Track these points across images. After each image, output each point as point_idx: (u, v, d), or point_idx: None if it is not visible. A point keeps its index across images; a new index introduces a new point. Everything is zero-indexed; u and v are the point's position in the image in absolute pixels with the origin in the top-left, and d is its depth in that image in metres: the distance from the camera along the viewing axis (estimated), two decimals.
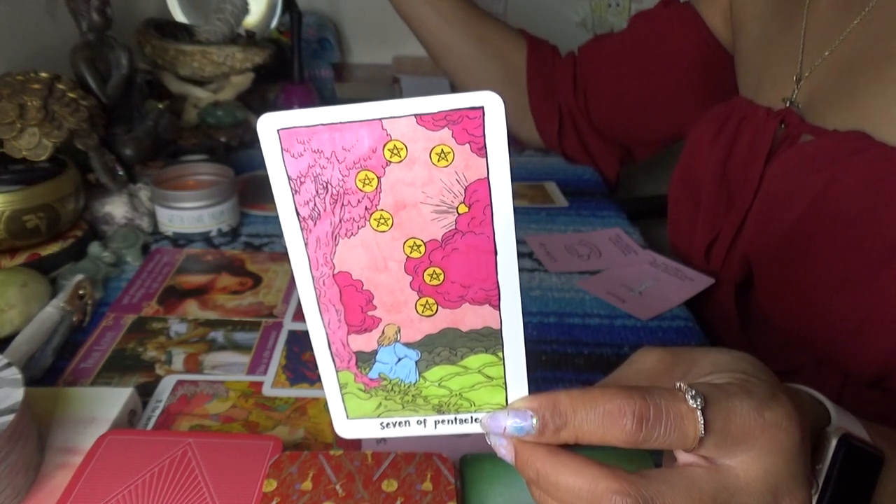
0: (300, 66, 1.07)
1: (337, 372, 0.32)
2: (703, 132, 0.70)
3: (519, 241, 0.74)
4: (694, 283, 0.69)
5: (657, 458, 0.34)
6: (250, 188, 0.84)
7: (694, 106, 0.81)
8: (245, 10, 1.01)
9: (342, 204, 0.28)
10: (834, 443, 0.32)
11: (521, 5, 1.33)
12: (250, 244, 0.74)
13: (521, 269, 0.70)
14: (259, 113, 1.15)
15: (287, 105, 1.07)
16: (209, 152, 0.88)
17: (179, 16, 1.11)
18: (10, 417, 0.39)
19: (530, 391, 0.31)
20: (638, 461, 0.40)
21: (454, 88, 1.28)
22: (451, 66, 0.94)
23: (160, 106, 0.84)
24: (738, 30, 0.76)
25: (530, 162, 1.00)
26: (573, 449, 0.29)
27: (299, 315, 0.59)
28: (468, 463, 0.43)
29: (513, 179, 0.92)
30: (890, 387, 0.56)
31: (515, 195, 0.86)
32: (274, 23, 1.12)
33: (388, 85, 1.27)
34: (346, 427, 0.33)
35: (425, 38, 0.92)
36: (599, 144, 0.95)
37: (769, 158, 0.63)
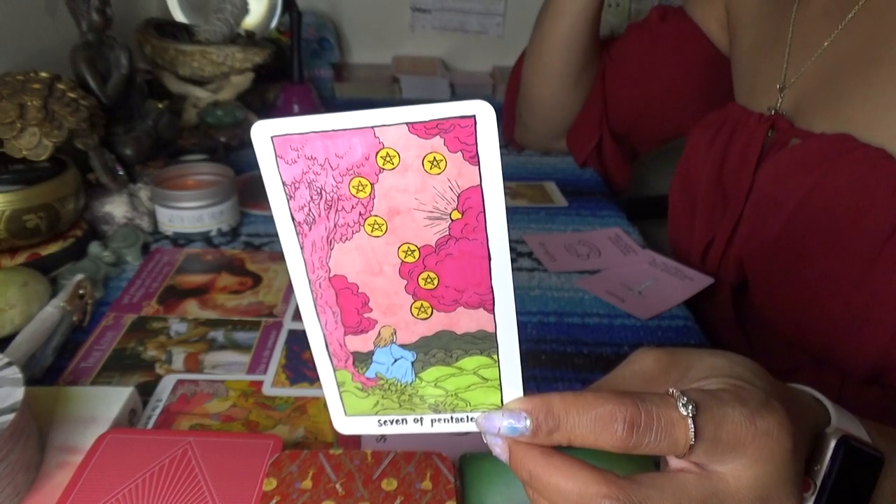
0: (300, 66, 1.07)
1: (335, 371, 0.32)
2: (700, 138, 0.71)
3: (518, 241, 0.75)
4: (693, 282, 0.69)
5: (658, 459, 0.35)
6: (250, 188, 0.84)
7: (697, 108, 0.82)
8: (245, 10, 1.01)
9: (336, 209, 0.28)
10: (833, 444, 0.32)
11: (521, 5, 1.33)
12: (250, 244, 0.74)
13: (520, 269, 0.71)
14: (259, 113, 1.15)
15: (287, 105, 1.07)
16: (209, 152, 0.88)
17: (179, 16, 1.12)
18: (11, 416, 0.39)
19: (529, 390, 0.31)
20: (640, 463, 0.40)
21: (454, 95, 1.28)
22: (545, 52, 0.89)
23: (160, 106, 0.85)
24: (733, 36, 0.77)
25: (530, 162, 1.00)
26: (573, 449, 0.30)
27: (299, 315, 0.59)
28: (467, 462, 0.43)
29: (513, 179, 0.91)
30: (888, 383, 0.57)
31: (515, 195, 0.87)
32: (274, 23, 1.13)
33: (387, 85, 1.27)
34: (345, 424, 0.34)
35: (550, 26, 0.88)
36: (614, 150, 0.95)
37: (760, 163, 0.64)
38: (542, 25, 0.88)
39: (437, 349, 0.31)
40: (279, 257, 0.71)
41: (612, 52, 0.91)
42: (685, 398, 0.29)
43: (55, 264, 0.65)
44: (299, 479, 0.40)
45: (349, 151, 0.27)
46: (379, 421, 0.33)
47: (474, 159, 0.27)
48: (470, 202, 0.27)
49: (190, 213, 0.72)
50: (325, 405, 0.39)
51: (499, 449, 0.31)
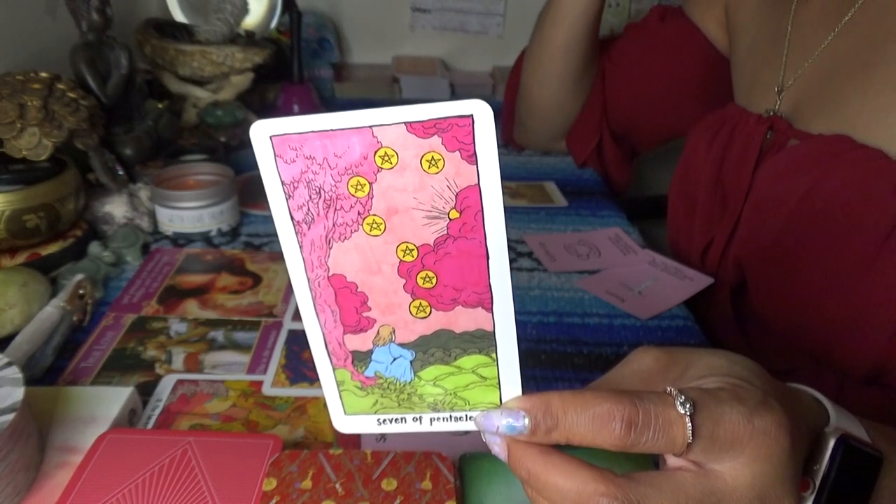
0: (300, 66, 1.07)
1: (334, 370, 0.32)
2: (699, 139, 0.71)
3: (518, 241, 0.75)
4: (693, 282, 0.69)
5: (657, 458, 0.35)
6: (250, 188, 0.84)
7: (696, 108, 0.82)
8: (245, 10, 1.01)
9: (335, 209, 0.28)
10: (832, 443, 0.32)
11: (521, 5, 1.33)
12: (250, 244, 0.74)
13: (520, 269, 0.71)
14: (259, 113, 1.15)
15: (287, 105, 1.07)
16: (209, 152, 0.88)
17: (179, 16, 1.12)
18: (11, 416, 0.39)
19: (529, 389, 0.31)
20: (639, 462, 0.41)
21: (454, 95, 1.28)
22: (545, 56, 0.89)
23: (160, 106, 0.85)
24: (732, 36, 0.77)
25: (530, 162, 1.00)
26: (572, 448, 0.30)
27: (299, 314, 0.59)
28: (467, 462, 0.43)
29: (513, 179, 0.91)
30: (888, 383, 0.57)
31: (515, 195, 0.87)
32: (274, 23, 1.13)
33: (387, 85, 1.27)
34: (344, 422, 0.34)
35: (550, 29, 0.87)
36: (614, 151, 0.95)
37: (759, 163, 0.64)
38: (542, 29, 0.88)
39: (435, 348, 0.31)
40: (279, 257, 0.71)
41: (612, 52, 0.91)
42: (683, 397, 0.29)
43: (55, 264, 0.65)
44: (299, 479, 0.40)
45: (347, 151, 0.27)
46: (378, 420, 0.33)
47: (472, 158, 0.27)
48: (468, 201, 0.27)
49: (190, 213, 0.72)
50: (324, 405, 0.40)
51: (497, 448, 0.31)
